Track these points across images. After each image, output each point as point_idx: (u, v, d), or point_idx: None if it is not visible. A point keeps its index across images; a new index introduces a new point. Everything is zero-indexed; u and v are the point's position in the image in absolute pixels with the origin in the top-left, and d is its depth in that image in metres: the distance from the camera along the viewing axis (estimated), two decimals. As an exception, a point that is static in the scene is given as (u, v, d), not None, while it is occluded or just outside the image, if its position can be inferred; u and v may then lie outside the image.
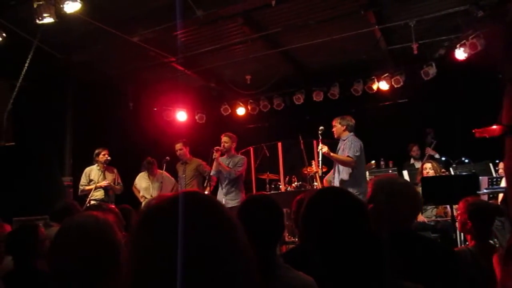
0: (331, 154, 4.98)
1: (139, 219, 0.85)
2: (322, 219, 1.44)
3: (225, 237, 0.81)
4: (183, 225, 0.76)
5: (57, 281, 1.30)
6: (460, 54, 6.16)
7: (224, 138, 5.79)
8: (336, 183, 5.03)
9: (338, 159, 5.00)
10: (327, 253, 1.36)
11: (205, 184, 6.11)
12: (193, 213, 0.80)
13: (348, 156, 4.86)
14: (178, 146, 6.39)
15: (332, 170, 5.29)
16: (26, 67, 5.36)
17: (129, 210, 2.92)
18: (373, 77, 7.39)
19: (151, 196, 6.65)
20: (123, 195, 6.49)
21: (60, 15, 4.63)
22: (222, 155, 5.79)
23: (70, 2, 4.57)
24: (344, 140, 5.10)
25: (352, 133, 5.12)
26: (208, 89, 8.39)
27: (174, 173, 6.73)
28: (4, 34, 4.97)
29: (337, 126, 5.15)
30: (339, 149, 5.11)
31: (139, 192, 6.82)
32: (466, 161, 6.18)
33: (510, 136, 0.55)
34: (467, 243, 2.68)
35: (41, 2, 4.54)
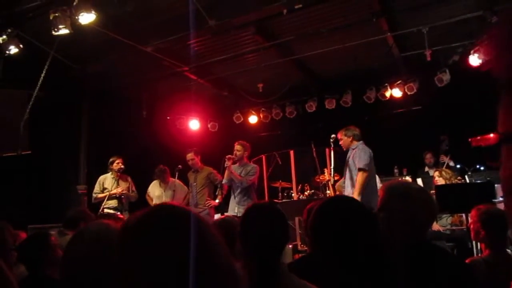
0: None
1: (119, 234, 0.88)
2: (330, 229, 1.45)
3: (203, 252, 0.81)
4: (147, 243, 0.78)
5: None
6: (474, 60, 6.08)
7: (237, 147, 5.79)
8: (348, 190, 4.98)
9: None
10: (334, 263, 1.34)
11: (216, 193, 6.13)
12: (163, 227, 0.82)
13: (359, 168, 4.81)
14: (190, 156, 6.43)
15: (344, 177, 5.24)
16: (42, 77, 5.47)
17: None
18: (386, 84, 7.34)
19: (164, 204, 6.68)
20: (138, 203, 6.53)
21: (75, 26, 4.73)
22: (234, 163, 5.79)
23: (85, 14, 4.65)
24: (354, 149, 5.06)
25: (361, 142, 5.07)
26: (221, 97, 8.43)
27: (186, 181, 6.76)
28: (21, 45, 5.09)
29: (344, 139, 5.12)
30: (349, 157, 5.07)
31: (152, 200, 6.86)
32: (482, 168, 6.07)
33: (505, 145, 0.54)
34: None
35: (57, 14, 4.64)
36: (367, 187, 4.84)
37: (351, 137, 5.11)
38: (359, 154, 4.91)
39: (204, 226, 0.86)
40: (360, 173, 4.81)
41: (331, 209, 1.49)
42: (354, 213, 1.44)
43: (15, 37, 5.05)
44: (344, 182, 5.23)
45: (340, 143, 5.18)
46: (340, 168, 5.32)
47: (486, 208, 2.47)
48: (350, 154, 5.09)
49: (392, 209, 1.79)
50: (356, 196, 4.77)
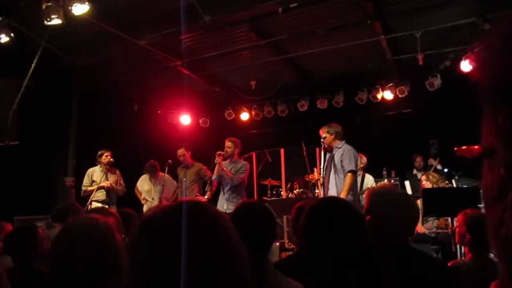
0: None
1: (137, 228, 0.86)
2: (321, 230, 1.46)
3: (222, 247, 0.82)
4: (184, 236, 0.77)
5: (56, 282, 1.31)
6: (466, 66, 6.15)
7: (227, 143, 5.80)
8: (333, 190, 4.99)
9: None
10: (322, 263, 1.37)
11: (206, 189, 6.13)
12: (192, 223, 0.81)
13: (350, 170, 4.84)
14: (180, 151, 6.43)
15: (325, 176, 5.22)
16: (32, 68, 5.41)
17: (131, 214, 2.92)
18: (378, 86, 7.40)
19: (153, 199, 6.68)
20: (126, 197, 6.51)
21: (68, 17, 4.68)
22: (224, 159, 5.80)
23: (79, 4, 4.61)
24: (339, 148, 5.06)
25: (344, 141, 5.08)
26: (213, 93, 8.42)
27: (175, 176, 6.76)
28: (12, 34, 5.02)
29: (327, 136, 5.07)
30: (333, 156, 5.06)
31: (141, 194, 6.85)
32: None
33: (486, 159, 0.56)
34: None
35: (49, 4, 4.59)
36: (353, 189, 4.93)
37: (334, 135, 5.09)
38: (348, 156, 4.92)
39: (226, 223, 0.87)
40: (350, 175, 4.85)
41: (322, 209, 1.52)
42: (345, 216, 1.46)
43: (6, 26, 4.99)
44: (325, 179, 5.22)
45: (322, 140, 5.13)
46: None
47: (472, 213, 2.52)
48: (334, 153, 5.08)
49: (374, 214, 1.84)
50: (343, 197, 4.81)
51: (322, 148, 5.23)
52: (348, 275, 1.39)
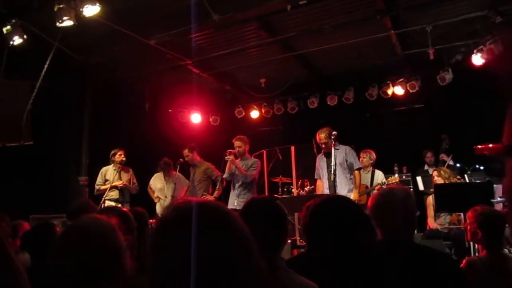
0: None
1: (156, 225, 0.89)
2: (324, 227, 1.46)
3: (237, 248, 0.84)
4: (196, 236, 0.79)
5: (58, 281, 1.32)
6: (477, 59, 6.08)
7: (236, 143, 5.79)
8: (344, 190, 5.18)
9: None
10: (328, 262, 1.37)
11: (217, 187, 6.15)
12: (206, 223, 0.83)
13: (358, 168, 5.36)
14: (185, 152, 6.50)
15: (323, 177, 5.41)
16: (45, 68, 5.48)
17: (142, 213, 2.96)
18: (388, 82, 7.34)
19: (166, 196, 6.73)
20: (139, 195, 6.58)
21: (79, 18, 4.74)
22: (235, 158, 5.81)
23: (90, 6, 4.66)
24: (338, 149, 5.33)
25: (337, 142, 5.36)
26: (223, 92, 8.44)
27: (187, 174, 6.81)
28: (25, 36, 5.09)
29: (329, 142, 5.28)
30: (335, 157, 5.21)
31: (153, 192, 6.91)
32: (482, 168, 6.09)
33: (508, 157, 0.56)
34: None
35: (61, 6, 4.65)
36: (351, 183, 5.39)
37: (334, 137, 5.29)
38: (352, 155, 5.35)
39: (241, 225, 0.88)
40: (358, 173, 5.30)
41: (327, 208, 1.51)
42: (349, 214, 1.46)
43: (19, 28, 5.06)
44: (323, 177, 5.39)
45: (323, 145, 5.37)
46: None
47: (483, 209, 2.49)
48: (335, 154, 5.25)
49: (373, 214, 1.93)
50: (356, 195, 4.88)
51: (333, 144, 5.25)
52: (352, 274, 1.40)
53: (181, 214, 0.86)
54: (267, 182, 7.52)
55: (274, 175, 7.08)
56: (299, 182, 6.63)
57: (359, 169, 5.37)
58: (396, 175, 6.46)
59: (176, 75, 7.54)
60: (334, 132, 5.28)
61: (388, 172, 6.53)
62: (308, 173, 6.87)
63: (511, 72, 0.57)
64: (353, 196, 5.05)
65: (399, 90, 7.26)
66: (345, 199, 1.66)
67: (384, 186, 5.66)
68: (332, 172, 5.14)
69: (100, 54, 6.46)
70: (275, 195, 6.56)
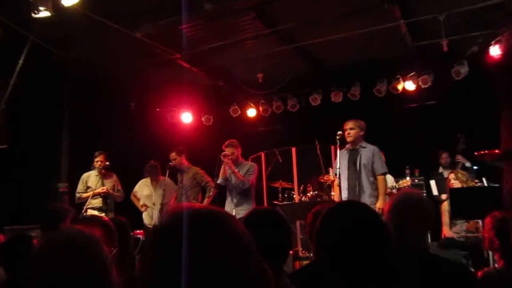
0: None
1: (151, 235, 0.91)
2: (339, 235, 1.46)
3: (235, 255, 0.86)
4: (188, 245, 0.81)
5: None
6: (495, 51, 6.11)
7: (227, 150, 5.71)
8: (364, 195, 5.14)
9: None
10: (342, 273, 1.37)
11: (207, 194, 6.15)
12: (199, 231, 0.85)
13: (383, 173, 5.18)
14: (172, 155, 6.49)
15: (342, 176, 5.30)
16: (20, 64, 5.47)
17: (124, 224, 2.96)
18: (398, 76, 7.37)
19: (154, 204, 6.72)
20: (124, 203, 6.57)
21: (57, 8, 4.73)
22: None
23: (69, -5, 4.66)
24: (365, 148, 5.22)
25: (365, 141, 5.29)
26: (216, 88, 8.45)
27: (176, 180, 6.81)
28: (-3, 29, 5.09)
29: (355, 130, 5.24)
30: (360, 156, 5.17)
31: (138, 200, 6.90)
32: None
33: (506, 161, 0.58)
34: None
35: (37, -5, 4.64)
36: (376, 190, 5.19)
37: (363, 132, 5.25)
38: (379, 158, 5.19)
39: (242, 232, 0.90)
40: (383, 178, 5.16)
41: (342, 214, 1.51)
42: (367, 220, 1.47)
43: (-9, 20, 5.06)
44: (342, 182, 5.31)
45: (347, 134, 5.26)
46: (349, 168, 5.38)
47: (502, 216, 2.49)
48: (360, 153, 5.20)
49: (390, 220, 1.95)
50: (382, 203, 4.92)
51: (338, 145, 5.25)
52: (368, 285, 1.40)
53: (171, 223, 0.87)
54: (266, 188, 7.54)
55: (274, 180, 7.09)
56: (301, 187, 6.64)
57: (384, 173, 5.24)
58: (408, 178, 6.47)
59: (164, 70, 7.54)
60: (339, 132, 5.28)
61: (398, 176, 6.54)
62: (310, 177, 6.89)
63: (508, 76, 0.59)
64: (378, 204, 4.97)
65: (410, 86, 7.29)
66: (363, 205, 1.68)
67: (394, 191, 5.68)
68: (357, 171, 5.15)
69: (81, 48, 6.45)
70: (275, 202, 6.57)
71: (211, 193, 6.20)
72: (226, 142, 5.81)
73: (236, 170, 5.66)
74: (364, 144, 5.27)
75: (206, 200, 6.24)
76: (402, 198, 2.07)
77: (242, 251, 0.87)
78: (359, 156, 5.21)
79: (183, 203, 6.29)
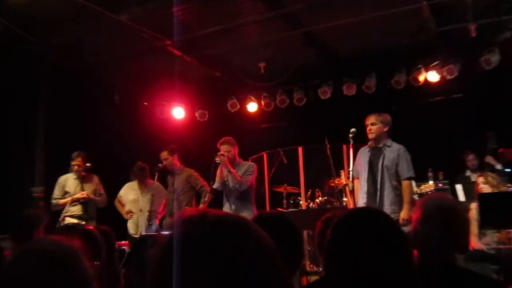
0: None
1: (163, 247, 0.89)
2: (354, 247, 1.46)
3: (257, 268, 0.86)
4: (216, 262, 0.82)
5: None
6: (531, 37, 6.10)
7: (223, 147, 5.76)
8: (387, 197, 5.10)
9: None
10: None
11: (202, 200, 6.15)
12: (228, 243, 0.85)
13: (409, 177, 5.09)
14: (163, 155, 6.49)
15: (361, 177, 5.29)
16: (-10, 53, 5.48)
17: (108, 233, 2.94)
18: (420, 66, 7.35)
19: (140, 211, 6.72)
20: (107, 209, 6.57)
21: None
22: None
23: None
24: (389, 146, 5.18)
25: (390, 139, 5.23)
26: (212, 80, 8.44)
27: (166, 184, 6.80)
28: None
29: (378, 125, 5.19)
30: (383, 156, 5.16)
31: (123, 206, 6.91)
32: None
33: None
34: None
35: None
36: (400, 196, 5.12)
37: (387, 127, 5.21)
38: (405, 159, 5.11)
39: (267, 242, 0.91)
40: (408, 184, 5.08)
41: (356, 222, 1.51)
42: (383, 229, 1.47)
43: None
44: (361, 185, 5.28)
45: (368, 130, 5.23)
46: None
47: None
48: (384, 152, 5.17)
49: (429, 228, 1.94)
50: (407, 212, 4.89)
51: (351, 144, 5.23)
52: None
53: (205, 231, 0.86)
54: (268, 193, 7.53)
55: (277, 184, 7.08)
56: (309, 193, 6.63)
57: (410, 178, 5.14)
58: (431, 182, 6.45)
59: (153, 59, 7.53)
60: (353, 129, 5.27)
61: (420, 179, 6.51)
62: (319, 181, 6.88)
63: None
64: (402, 214, 4.94)
65: (433, 76, 7.28)
66: (379, 211, 1.68)
67: (415, 197, 5.67)
68: (378, 173, 5.11)
69: (60, 35, 6.45)
70: (279, 209, 6.56)
71: (206, 198, 6.19)
72: (221, 140, 5.84)
73: (233, 169, 5.67)
74: (389, 142, 5.21)
75: (201, 206, 6.23)
76: (435, 203, 2.06)
77: (271, 265, 0.89)
78: (381, 156, 5.17)
79: (174, 210, 6.30)
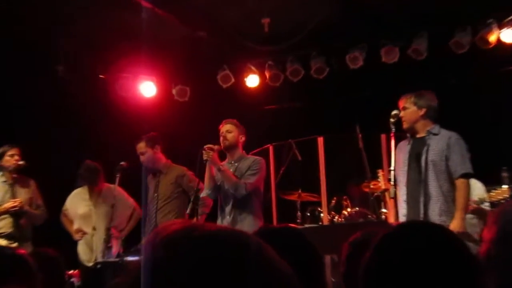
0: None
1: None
2: (402, 280, 1.47)
3: None
4: None
5: None
6: None
7: (226, 127, 5.90)
8: (403, 206, 5.19)
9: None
10: None
11: (188, 211, 6.12)
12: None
13: (464, 174, 5.08)
14: (140, 146, 6.51)
15: (403, 172, 5.34)
16: None
17: (54, 259, 2.92)
18: (491, 21, 7.30)
19: (94, 229, 6.70)
20: (48, 225, 6.56)
21: None
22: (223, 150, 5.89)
23: None
24: (436, 134, 5.22)
25: (438, 125, 5.26)
26: (196, 43, 8.40)
27: (133, 189, 6.77)
28: None
29: (411, 109, 5.26)
30: (427, 148, 5.17)
31: (71, 223, 6.93)
32: None
33: None
34: None
35: None
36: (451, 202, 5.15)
37: (425, 110, 5.25)
38: (458, 149, 5.14)
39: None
40: (465, 182, 5.09)
41: (405, 245, 1.51)
42: (445, 253, 1.47)
43: None
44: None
45: (402, 116, 5.31)
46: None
47: None
48: (428, 143, 5.20)
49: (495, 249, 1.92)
50: (459, 223, 4.95)
51: (392, 133, 5.22)
52: None
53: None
54: (276, 200, 7.51)
55: (288, 190, 7.09)
56: (333, 201, 6.62)
57: (466, 175, 5.14)
58: (506, 186, 6.45)
59: (111, 14, 7.49)
60: (395, 111, 5.30)
61: (490, 182, 6.51)
62: (347, 185, 6.85)
63: None
64: (453, 225, 4.93)
65: (508, 36, 7.23)
66: (437, 228, 1.68)
67: (485, 206, 5.63)
68: (423, 172, 5.13)
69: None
70: (291, 224, 6.54)
71: (203, 208, 6.21)
72: (228, 119, 5.96)
73: (226, 167, 5.68)
74: (435, 129, 5.26)
75: (194, 220, 6.22)
76: (502, 216, 2.04)
77: None
78: (425, 149, 5.21)
79: (153, 225, 6.28)
